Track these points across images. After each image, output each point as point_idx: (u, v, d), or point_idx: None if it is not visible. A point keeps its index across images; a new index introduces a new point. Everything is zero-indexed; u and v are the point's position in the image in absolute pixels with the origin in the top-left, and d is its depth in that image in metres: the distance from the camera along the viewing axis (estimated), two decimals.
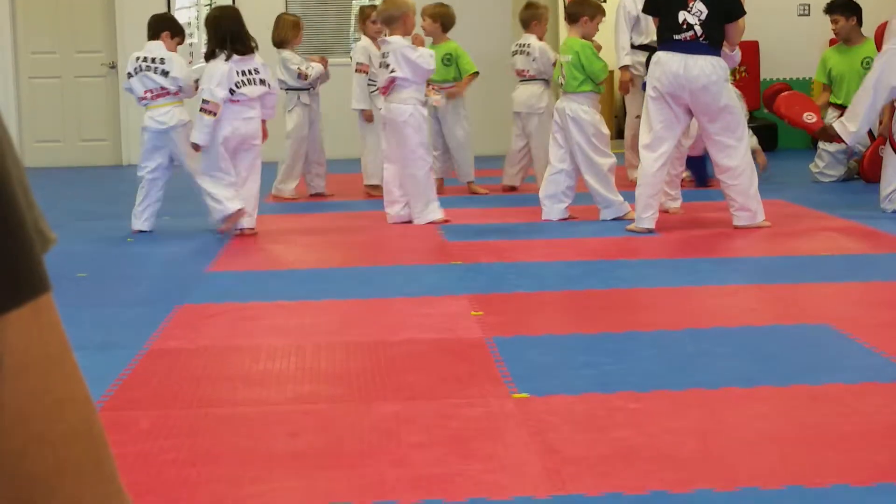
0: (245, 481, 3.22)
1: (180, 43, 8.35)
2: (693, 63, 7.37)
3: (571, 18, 8.38)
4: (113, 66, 13.52)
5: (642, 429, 3.59)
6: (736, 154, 7.51)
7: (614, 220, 7.99)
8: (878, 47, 9.75)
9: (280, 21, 10.05)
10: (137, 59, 8.09)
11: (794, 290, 5.76)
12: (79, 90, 13.61)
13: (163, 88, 8.03)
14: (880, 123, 9.98)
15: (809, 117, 9.20)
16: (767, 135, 12.65)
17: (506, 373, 4.24)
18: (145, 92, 8.03)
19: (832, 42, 11.24)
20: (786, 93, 9.62)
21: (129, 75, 8.10)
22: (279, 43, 9.88)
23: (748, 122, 9.79)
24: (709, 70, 7.37)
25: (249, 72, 7.79)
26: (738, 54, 8.99)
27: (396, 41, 8.17)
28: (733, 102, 7.60)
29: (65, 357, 0.60)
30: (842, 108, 10.15)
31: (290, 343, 4.81)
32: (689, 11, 7.41)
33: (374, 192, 9.47)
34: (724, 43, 7.57)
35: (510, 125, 10.08)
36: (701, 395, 3.95)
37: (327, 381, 4.28)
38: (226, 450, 3.50)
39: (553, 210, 8.19)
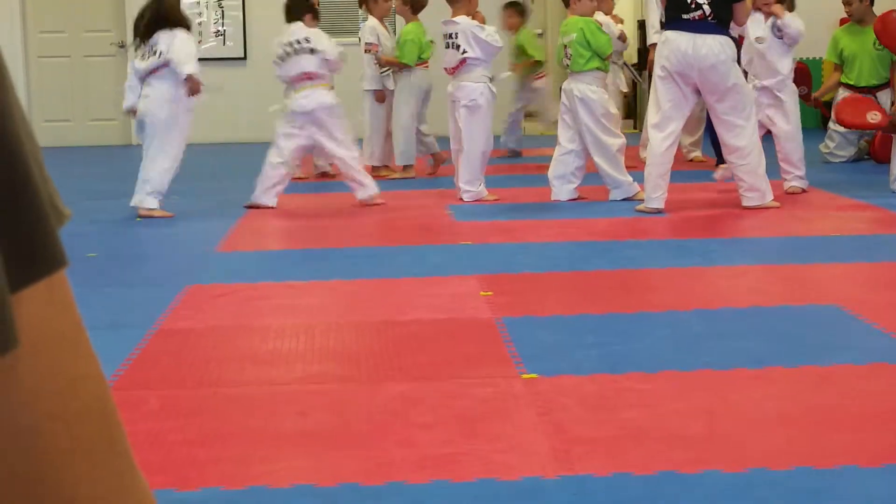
0: (254, 460, 3.23)
1: (316, 24, 8.38)
2: (702, 42, 7.37)
3: (565, 2, 8.44)
4: (122, 46, 13.52)
5: (651, 409, 3.59)
6: (744, 134, 7.50)
7: (623, 200, 7.98)
8: (880, 38, 9.68)
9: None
10: (283, 43, 8.14)
11: (803, 271, 5.75)
12: (88, 69, 13.61)
13: (310, 72, 8.08)
14: (893, 104, 9.95)
15: (874, 116, 9.10)
16: None
17: (514, 353, 4.24)
18: (299, 74, 8.08)
19: (842, 22, 11.20)
20: (841, 102, 9.51)
21: (277, 63, 8.16)
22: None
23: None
24: (717, 49, 7.36)
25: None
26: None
27: (464, 21, 8.25)
28: (741, 82, 7.59)
29: (79, 335, 0.59)
30: (852, 88, 10.14)
31: (299, 323, 4.81)
32: None
33: (375, 174, 9.49)
34: (732, 23, 7.57)
35: None
36: (710, 375, 3.95)
37: (336, 360, 4.28)
38: (234, 429, 3.51)
39: (562, 191, 8.19)
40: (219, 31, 13.61)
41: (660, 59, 7.51)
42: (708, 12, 7.39)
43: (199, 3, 13.36)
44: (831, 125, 10.30)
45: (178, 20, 7.87)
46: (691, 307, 4.97)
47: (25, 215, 0.56)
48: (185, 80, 7.73)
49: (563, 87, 8.41)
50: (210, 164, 10.47)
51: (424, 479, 3.07)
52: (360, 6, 10.46)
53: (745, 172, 7.54)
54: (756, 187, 7.56)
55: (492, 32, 8.29)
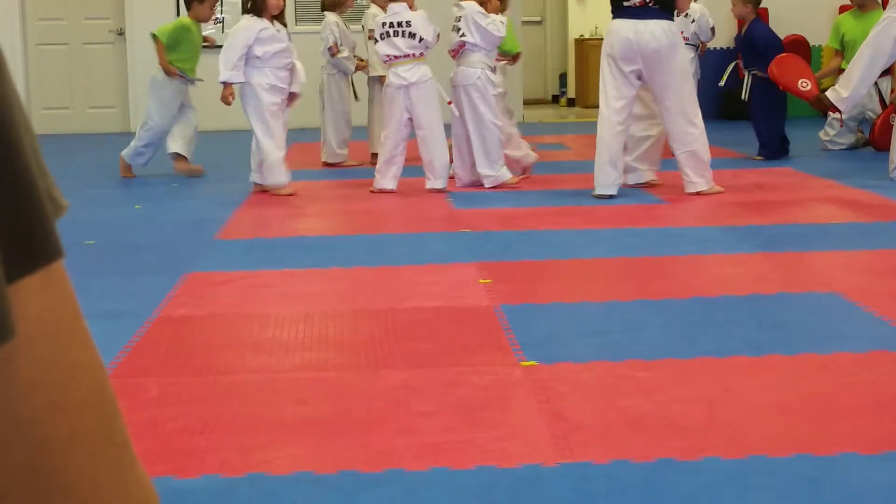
0: (253, 448, 3.23)
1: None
2: (644, 27, 7.50)
3: None
4: (121, 33, 13.50)
5: (650, 397, 3.60)
6: (690, 122, 7.60)
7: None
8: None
9: None
10: (384, 24, 8.18)
11: (802, 259, 5.76)
12: (86, 57, 13.60)
13: (404, 53, 8.14)
14: (892, 91, 9.95)
15: (804, 84, 9.13)
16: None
17: (514, 341, 4.24)
18: (389, 56, 8.17)
19: (843, 8, 11.19)
20: (781, 56, 9.51)
21: (376, 40, 8.23)
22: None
23: None
24: (659, 33, 7.50)
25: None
26: (707, 25, 9.09)
27: (470, 6, 8.27)
28: (686, 69, 7.69)
29: (77, 324, 0.59)
30: None
31: (299, 311, 4.81)
32: None
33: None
34: (677, 8, 7.70)
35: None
36: (709, 363, 3.96)
37: (335, 348, 4.28)
38: (234, 417, 3.51)
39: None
40: (217, 18, 13.58)
41: (605, 48, 7.61)
42: None
43: None
44: (830, 113, 10.29)
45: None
46: (690, 295, 4.97)
47: (23, 206, 0.56)
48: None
49: None
50: (210, 151, 10.46)
51: (424, 466, 3.07)
52: None
53: (689, 158, 7.61)
54: (701, 174, 7.65)
55: (495, 21, 8.27)
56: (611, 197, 7.60)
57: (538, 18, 17.02)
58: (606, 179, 7.63)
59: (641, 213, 7.16)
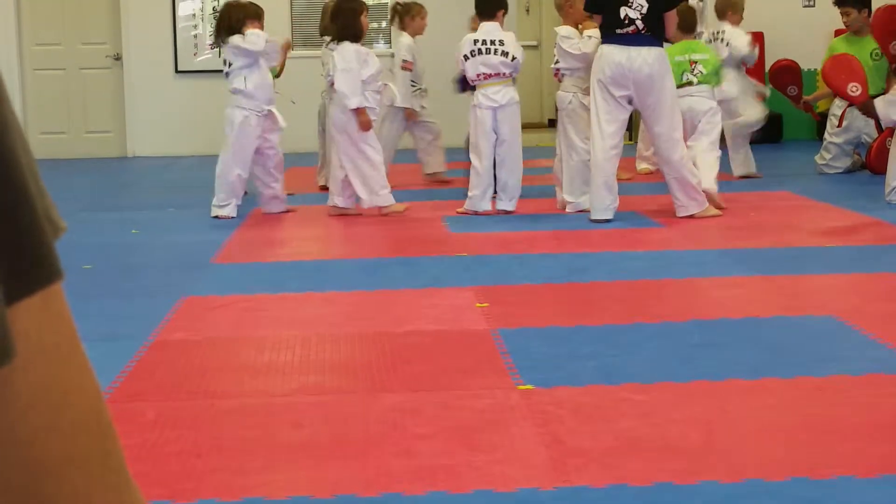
0: (250, 472, 3.23)
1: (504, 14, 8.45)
2: (636, 54, 7.59)
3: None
4: (118, 58, 13.52)
5: (647, 420, 3.59)
6: (678, 146, 7.64)
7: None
8: (876, 35, 9.77)
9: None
10: (475, 41, 8.20)
11: (799, 282, 5.76)
12: (84, 82, 13.61)
13: (496, 72, 8.16)
14: None
15: (854, 89, 9.17)
16: (772, 126, 12.61)
17: (511, 364, 4.24)
18: (479, 75, 8.18)
19: (837, 33, 11.22)
20: (835, 56, 9.62)
21: (466, 58, 8.22)
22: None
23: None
24: (651, 60, 7.59)
25: None
26: (752, 50, 9.21)
27: (562, 30, 8.33)
28: (674, 95, 7.78)
29: (74, 347, 0.60)
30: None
31: (295, 334, 4.81)
32: (630, 7, 7.60)
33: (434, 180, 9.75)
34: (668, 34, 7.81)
35: None
36: (706, 386, 3.95)
37: (332, 372, 4.28)
38: (231, 440, 3.50)
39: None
40: (214, 44, 13.61)
41: (596, 73, 7.66)
42: (641, 27, 7.60)
43: (194, 15, 13.37)
44: (827, 136, 10.31)
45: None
46: (687, 318, 4.97)
47: (21, 228, 0.56)
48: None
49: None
50: (209, 175, 10.46)
51: (421, 490, 3.07)
52: (392, 22, 10.41)
53: (680, 183, 7.66)
54: (693, 197, 7.67)
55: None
56: (607, 221, 7.62)
57: (534, 42, 17.05)
58: (602, 203, 7.66)
59: (638, 237, 7.16)
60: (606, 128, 7.65)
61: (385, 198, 8.12)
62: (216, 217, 8.23)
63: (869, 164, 10.10)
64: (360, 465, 3.26)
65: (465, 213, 8.18)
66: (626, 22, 7.59)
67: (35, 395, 0.57)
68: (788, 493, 3.00)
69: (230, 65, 8.25)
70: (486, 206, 8.20)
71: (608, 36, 7.67)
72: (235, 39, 8.20)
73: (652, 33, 7.62)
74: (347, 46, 8.08)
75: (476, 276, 5.97)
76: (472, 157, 8.32)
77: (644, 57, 7.56)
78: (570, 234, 7.32)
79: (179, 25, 13.41)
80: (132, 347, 4.59)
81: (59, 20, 13.50)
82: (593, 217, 7.68)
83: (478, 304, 5.27)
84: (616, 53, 7.59)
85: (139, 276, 6.27)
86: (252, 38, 8.22)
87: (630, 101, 7.67)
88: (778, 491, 3.01)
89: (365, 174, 8.08)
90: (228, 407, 3.86)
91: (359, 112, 8.02)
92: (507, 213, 8.15)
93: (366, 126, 8.07)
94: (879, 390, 3.89)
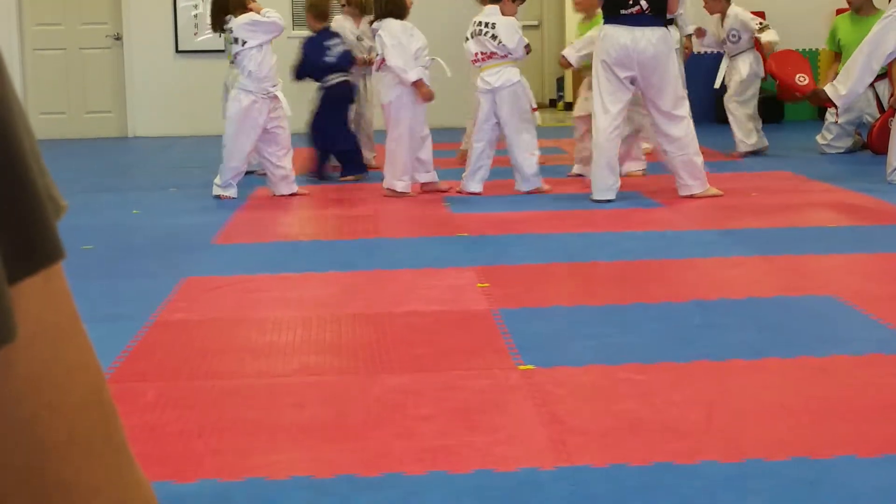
0: (251, 452, 3.23)
1: (521, 3, 8.40)
2: (641, 35, 7.60)
3: None
4: (118, 38, 13.51)
5: (648, 400, 3.60)
6: (682, 124, 7.68)
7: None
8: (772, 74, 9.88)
9: None
10: (475, 22, 8.23)
11: (800, 262, 5.76)
12: (84, 62, 13.60)
13: (492, 52, 8.17)
14: (891, 95, 9.95)
15: (801, 79, 9.25)
16: (774, 106, 12.61)
17: (511, 344, 4.25)
18: (476, 54, 8.19)
19: (839, 11, 11.19)
20: (778, 51, 9.72)
21: (467, 38, 8.25)
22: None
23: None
24: (655, 40, 7.61)
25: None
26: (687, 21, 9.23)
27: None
28: (678, 74, 7.82)
29: (75, 326, 0.60)
30: None
31: (296, 315, 4.81)
32: None
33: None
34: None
35: None
36: (707, 366, 3.96)
37: (333, 352, 4.28)
38: (232, 421, 3.51)
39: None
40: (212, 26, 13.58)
41: (599, 53, 7.66)
42: (645, 6, 7.61)
43: None
44: (828, 117, 10.30)
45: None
46: (688, 298, 4.98)
47: (23, 207, 0.56)
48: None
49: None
50: (210, 155, 10.46)
51: (422, 470, 3.07)
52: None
53: (683, 162, 7.67)
54: (695, 176, 7.68)
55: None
56: (608, 201, 7.62)
57: (535, 22, 17.01)
58: (604, 184, 7.67)
59: (639, 217, 7.16)
60: (610, 108, 7.66)
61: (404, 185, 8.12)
62: (217, 197, 8.22)
63: (870, 144, 10.10)
64: (361, 446, 3.26)
65: (461, 194, 8.19)
66: (631, 2, 7.59)
67: (37, 375, 0.57)
68: (789, 473, 3.01)
69: (243, 43, 8.14)
70: (475, 187, 8.18)
71: (612, 16, 7.66)
72: (251, 16, 8.14)
73: (656, 13, 7.62)
74: (392, 23, 8.06)
75: (477, 256, 5.97)
76: (473, 137, 8.34)
77: (648, 37, 7.57)
78: (571, 213, 7.32)
79: (180, 5, 13.39)
80: (133, 328, 4.59)
81: (60, 0, 13.47)
82: (595, 197, 7.69)
83: (479, 285, 5.28)
84: (621, 35, 7.58)
85: (140, 257, 6.27)
86: (269, 13, 8.19)
87: (633, 82, 7.67)
88: (778, 471, 3.02)
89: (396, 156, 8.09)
90: (229, 387, 3.87)
91: (418, 84, 8.00)
92: (526, 192, 8.14)
93: (428, 97, 8.05)
94: (880, 370, 3.89)
